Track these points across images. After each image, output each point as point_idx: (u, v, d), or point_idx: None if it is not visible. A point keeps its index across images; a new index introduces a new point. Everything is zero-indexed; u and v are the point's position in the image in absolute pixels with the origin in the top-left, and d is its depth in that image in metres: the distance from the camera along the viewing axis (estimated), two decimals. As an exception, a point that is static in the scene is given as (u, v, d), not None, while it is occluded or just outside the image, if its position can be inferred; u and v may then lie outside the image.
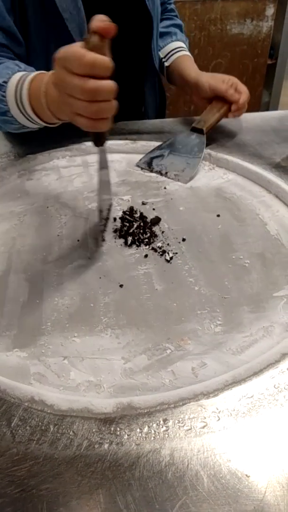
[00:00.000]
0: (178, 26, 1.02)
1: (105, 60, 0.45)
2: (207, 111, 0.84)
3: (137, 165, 0.78)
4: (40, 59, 0.80)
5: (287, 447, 0.37)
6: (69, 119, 0.51)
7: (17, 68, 0.66)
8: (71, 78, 0.46)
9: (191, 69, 0.91)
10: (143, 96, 0.98)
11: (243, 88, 0.83)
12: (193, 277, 0.55)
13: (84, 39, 0.46)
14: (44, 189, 0.72)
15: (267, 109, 2.20)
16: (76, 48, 0.46)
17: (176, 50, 0.96)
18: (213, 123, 0.82)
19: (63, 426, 0.38)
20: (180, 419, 0.39)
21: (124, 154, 0.81)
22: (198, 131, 0.81)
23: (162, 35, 0.98)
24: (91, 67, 0.45)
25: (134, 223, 0.63)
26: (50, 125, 0.65)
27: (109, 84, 0.46)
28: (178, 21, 1.03)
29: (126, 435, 0.38)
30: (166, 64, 0.96)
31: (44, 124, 0.65)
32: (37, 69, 0.62)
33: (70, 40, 0.76)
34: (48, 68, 0.82)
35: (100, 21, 0.45)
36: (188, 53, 0.97)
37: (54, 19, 0.75)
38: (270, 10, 1.88)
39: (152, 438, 0.37)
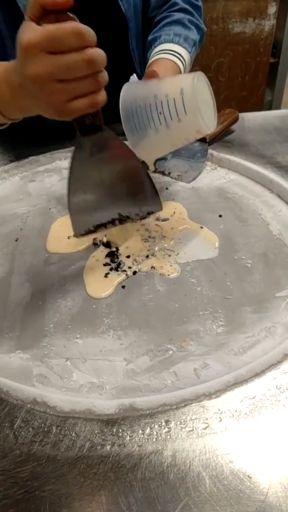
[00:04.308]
0: (174, 22, 0.79)
1: (88, 27, 0.42)
2: None
3: (139, 166, 0.78)
4: None
5: (289, 448, 0.37)
6: (57, 112, 0.45)
7: None
8: (67, 57, 0.41)
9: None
10: None
11: None
12: (195, 278, 0.55)
13: (36, 17, 0.42)
14: (46, 191, 0.72)
15: (269, 108, 2.19)
16: (65, 25, 0.41)
17: (155, 56, 0.73)
18: (216, 134, 0.82)
19: (66, 428, 0.38)
20: (182, 420, 0.39)
21: (126, 155, 0.81)
22: (201, 139, 0.81)
23: (153, 40, 0.77)
24: (88, 37, 0.41)
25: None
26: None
27: (99, 49, 0.43)
28: (176, 16, 0.80)
29: (128, 437, 0.38)
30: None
31: None
32: None
33: (20, 17, 0.71)
34: (2, 48, 0.73)
35: None
36: (168, 56, 0.71)
37: (20, 21, 0.71)
38: (272, 9, 1.88)
39: (154, 440, 0.38)
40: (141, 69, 0.92)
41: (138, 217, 0.57)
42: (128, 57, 0.87)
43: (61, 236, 0.62)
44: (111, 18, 0.80)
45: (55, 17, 0.41)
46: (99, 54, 0.42)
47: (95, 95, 0.44)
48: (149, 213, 0.58)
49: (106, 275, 0.54)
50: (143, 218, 0.60)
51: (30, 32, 0.41)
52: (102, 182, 0.55)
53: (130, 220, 0.60)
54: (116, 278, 0.54)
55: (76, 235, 0.59)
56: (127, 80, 0.91)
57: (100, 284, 0.53)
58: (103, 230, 0.60)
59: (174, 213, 0.66)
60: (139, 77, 0.88)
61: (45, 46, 0.41)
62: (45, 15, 0.41)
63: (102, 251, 0.58)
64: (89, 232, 0.60)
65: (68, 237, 0.61)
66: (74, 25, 0.41)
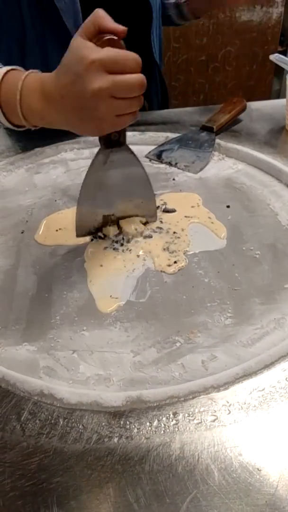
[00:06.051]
0: None
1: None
2: (218, 112, 0.83)
3: (146, 157, 0.77)
4: (36, 54, 0.79)
5: (299, 440, 0.36)
6: (110, 124, 0.49)
7: None
8: (127, 78, 0.46)
9: None
10: (146, 90, 0.97)
11: None
12: (203, 269, 0.54)
13: (97, 37, 0.47)
14: (52, 182, 0.72)
15: (277, 97, 2.16)
16: (126, 52, 0.47)
17: None
18: (223, 123, 0.81)
19: (73, 420, 0.38)
20: (190, 413, 0.38)
21: (132, 146, 0.79)
22: (208, 129, 0.80)
23: None
24: (140, 64, 0.47)
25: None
26: (17, 129, 0.61)
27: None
28: None
29: (135, 429, 0.37)
30: None
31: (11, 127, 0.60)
32: (33, 65, 0.57)
33: (67, 34, 0.74)
34: (44, 64, 0.81)
35: (112, 22, 0.46)
36: None
37: (49, 12, 0.73)
38: (280, -4, 1.84)
39: (162, 432, 0.37)
40: (160, 59, 0.96)
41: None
42: (148, 48, 0.89)
43: (50, 229, 0.61)
44: (136, 8, 0.83)
45: (108, 41, 0.46)
46: (144, 78, 0.47)
47: (136, 112, 0.49)
48: (145, 223, 0.60)
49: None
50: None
51: (94, 51, 0.45)
52: (107, 183, 0.57)
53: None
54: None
55: (77, 236, 0.59)
56: (147, 72, 0.92)
57: (105, 300, 0.51)
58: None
59: (198, 205, 0.65)
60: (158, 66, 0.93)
61: (107, 65, 0.45)
62: (99, 37, 0.46)
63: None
64: (88, 234, 0.59)
65: (56, 230, 0.61)
66: (133, 53, 0.46)
